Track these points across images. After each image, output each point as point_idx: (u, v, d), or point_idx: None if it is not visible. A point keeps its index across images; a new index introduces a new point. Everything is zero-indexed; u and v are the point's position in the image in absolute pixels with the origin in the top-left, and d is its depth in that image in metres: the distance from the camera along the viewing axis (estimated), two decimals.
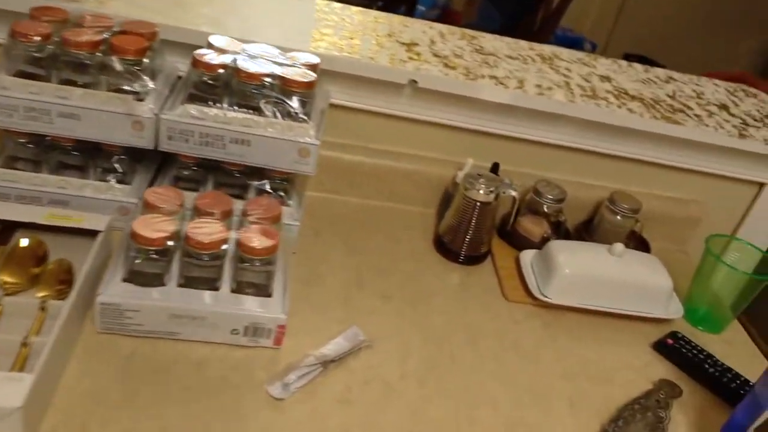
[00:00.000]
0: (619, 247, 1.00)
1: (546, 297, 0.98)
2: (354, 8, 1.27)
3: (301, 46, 1.02)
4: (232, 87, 0.89)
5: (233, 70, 0.89)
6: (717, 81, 1.39)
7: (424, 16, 2.27)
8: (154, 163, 0.98)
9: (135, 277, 0.78)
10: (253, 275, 0.80)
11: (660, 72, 1.35)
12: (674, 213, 1.21)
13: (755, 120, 1.23)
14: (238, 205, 0.86)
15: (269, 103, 0.90)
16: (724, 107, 1.25)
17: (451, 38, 1.23)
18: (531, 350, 0.91)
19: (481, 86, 1.07)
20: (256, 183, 0.96)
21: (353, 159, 1.12)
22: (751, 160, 1.18)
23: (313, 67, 0.95)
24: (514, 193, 1.05)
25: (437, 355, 0.86)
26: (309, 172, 0.92)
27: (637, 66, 1.35)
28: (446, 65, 1.10)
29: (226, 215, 0.83)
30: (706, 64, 2.11)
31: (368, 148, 1.13)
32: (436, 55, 1.13)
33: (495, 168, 1.10)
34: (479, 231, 1.04)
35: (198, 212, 0.82)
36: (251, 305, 0.79)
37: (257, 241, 0.78)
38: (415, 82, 1.05)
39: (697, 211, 1.22)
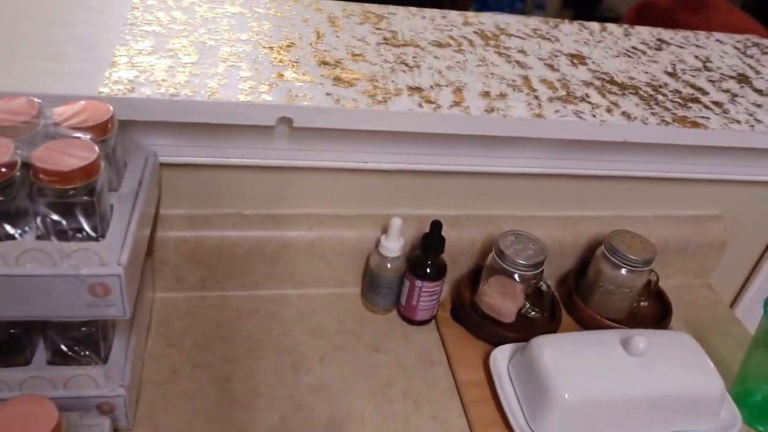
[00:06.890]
0: (639, 342, 0.64)
1: None
2: None
3: (90, 85, 0.61)
4: None
5: None
6: (717, 35, 1.02)
7: None
8: None
9: None
10: None
11: (644, 32, 0.98)
12: (692, 238, 0.86)
13: None
14: None
15: (33, 215, 0.50)
16: (743, 79, 0.89)
17: (347, 24, 0.83)
18: None
19: (397, 115, 0.66)
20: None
21: (224, 235, 0.72)
22: None
23: (100, 128, 0.55)
24: None
25: None
26: (117, 316, 0.53)
27: (614, 28, 0.97)
28: (338, 79, 0.69)
29: None
30: None
31: (243, 216, 0.74)
32: (324, 62, 0.72)
33: (436, 228, 0.72)
34: None
35: None
36: None
37: None
38: (290, 120, 0.65)
39: (722, 231, 0.87)
